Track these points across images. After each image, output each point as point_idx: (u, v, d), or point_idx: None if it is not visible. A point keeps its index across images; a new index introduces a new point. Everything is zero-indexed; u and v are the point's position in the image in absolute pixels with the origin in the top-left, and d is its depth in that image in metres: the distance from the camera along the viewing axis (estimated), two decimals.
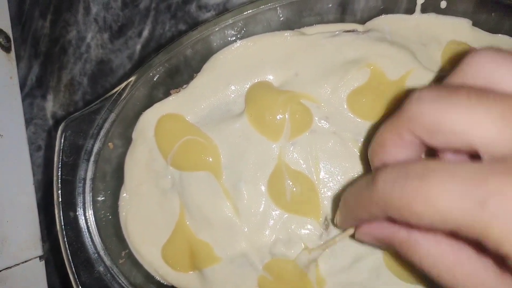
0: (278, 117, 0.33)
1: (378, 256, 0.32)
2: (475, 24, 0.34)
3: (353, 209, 0.24)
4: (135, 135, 0.35)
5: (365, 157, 0.32)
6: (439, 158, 0.22)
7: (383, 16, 0.34)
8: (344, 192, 0.26)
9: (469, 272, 0.20)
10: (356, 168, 0.33)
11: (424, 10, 0.34)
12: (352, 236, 0.27)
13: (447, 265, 0.21)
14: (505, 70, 0.20)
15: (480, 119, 0.18)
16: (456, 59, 0.33)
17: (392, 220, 0.21)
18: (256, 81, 0.34)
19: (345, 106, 0.33)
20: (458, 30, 0.34)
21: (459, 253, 0.21)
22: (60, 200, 0.33)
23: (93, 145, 0.33)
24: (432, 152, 0.23)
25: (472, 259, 0.20)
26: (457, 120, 0.19)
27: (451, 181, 0.18)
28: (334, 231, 0.32)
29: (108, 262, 0.34)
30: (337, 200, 0.32)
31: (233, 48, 0.34)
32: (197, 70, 0.35)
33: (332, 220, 0.32)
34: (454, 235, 0.19)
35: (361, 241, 0.26)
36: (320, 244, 0.32)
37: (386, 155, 0.23)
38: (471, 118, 0.19)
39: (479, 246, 0.18)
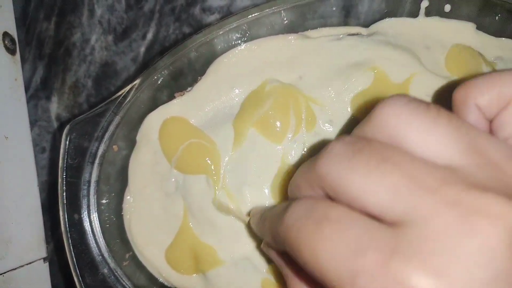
0: (282, 120, 0.33)
1: None
2: (479, 27, 0.34)
3: (264, 232, 0.26)
4: (139, 137, 0.36)
5: None
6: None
7: (387, 19, 0.34)
8: (267, 209, 0.27)
9: None
10: None
11: (428, 13, 0.34)
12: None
13: None
14: (410, 128, 0.19)
15: (374, 187, 0.18)
16: (460, 64, 0.33)
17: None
18: (261, 83, 0.35)
19: (349, 110, 0.33)
20: (462, 34, 0.34)
21: None
22: (64, 202, 0.33)
23: (97, 148, 0.34)
24: None
25: None
26: (354, 185, 0.19)
27: (338, 240, 0.18)
28: None
29: (112, 264, 0.34)
30: None
31: (237, 51, 0.34)
32: (202, 73, 0.35)
33: None
34: None
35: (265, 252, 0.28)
36: None
37: (302, 195, 0.23)
38: (366, 184, 0.18)
39: None
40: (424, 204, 0.17)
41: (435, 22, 0.34)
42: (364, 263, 0.17)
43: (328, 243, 0.18)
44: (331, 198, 0.20)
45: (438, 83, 0.32)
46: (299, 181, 0.23)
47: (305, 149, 0.33)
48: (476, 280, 0.16)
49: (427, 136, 0.19)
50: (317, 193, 0.21)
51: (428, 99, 0.32)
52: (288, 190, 0.25)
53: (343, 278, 0.17)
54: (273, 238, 0.23)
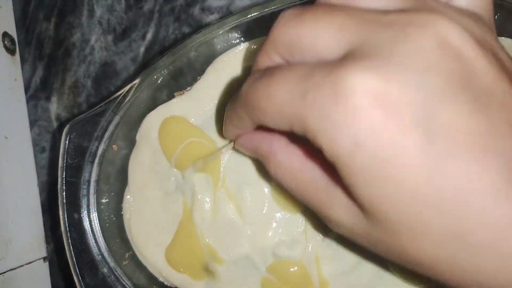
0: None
1: (381, 258, 0.32)
2: None
3: (230, 116, 0.26)
4: (139, 137, 0.36)
5: None
6: None
7: None
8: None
9: (308, 180, 0.22)
10: None
11: None
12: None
13: (292, 173, 0.23)
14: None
15: (322, 30, 0.19)
16: None
17: (256, 127, 0.23)
18: None
19: None
20: None
21: (304, 162, 0.22)
22: (64, 202, 0.33)
23: (97, 147, 0.34)
24: None
25: (315, 169, 0.22)
26: (305, 35, 0.20)
27: (289, 76, 0.19)
28: (337, 233, 0.32)
29: (112, 264, 0.34)
30: None
31: (236, 50, 0.34)
32: (201, 72, 0.35)
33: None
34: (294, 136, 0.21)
35: (240, 152, 0.29)
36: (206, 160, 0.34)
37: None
38: (314, 31, 0.20)
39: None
40: (366, 31, 0.18)
41: None
42: (311, 81, 0.18)
43: (279, 83, 0.20)
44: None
45: None
46: (258, 58, 0.24)
47: None
48: (411, 79, 0.17)
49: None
50: (275, 62, 0.22)
51: None
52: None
53: (295, 102, 0.19)
54: (237, 117, 0.24)
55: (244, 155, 0.33)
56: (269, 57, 0.22)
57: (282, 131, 0.21)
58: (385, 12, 0.19)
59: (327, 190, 0.21)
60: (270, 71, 0.21)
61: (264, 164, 0.25)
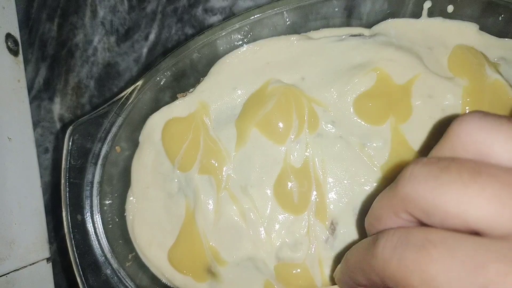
0: (285, 121, 0.33)
1: None
2: (482, 28, 0.34)
3: (353, 271, 0.24)
4: (142, 138, 0.36)
5: (372, 162, 0.32)
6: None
7: (389, 20, 0.34)
8: (348, 250, 0.25)
9: None
10: (362, 173, 0.32)
11: (431, 14, 0.34)
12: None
13: None
14: (494, 140, 0.19)
15: (474, 200, 0.18)
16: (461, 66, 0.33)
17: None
18: (263, 84, 0.35)
19: (352, 111, 0.33)
20: (465, 34, 0.34)
21: None
22: (67, 203, 0.33)
23: (100, 149, 0.34)
24: None
25: None
26: (450, 202, 0.18)
27: (451, 259, 0.17)
28: (340, 235, 0.32)
29: (115, 265, 0.34)
30: (345, 211, 0.33)
31: (239, 52, 0.34)
32: (204, 74, 0.35)
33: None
34: None
35: None
36: None
37: (383, 228, 0.23)
38: (464, 199, 0.18)
39: None
40: None
41: (438, 22, 0.34)
42: (487, 277, 0.16)
43: (440, 265, 0.17)
44: (421, 223, 0.20)
45: (440, 84, 0.32)
46: (379, 212, 0.22)
47: (308, 150, 0.33)
48: None
49: None
50: (403, 220, 0.21)
51: (430, 99, 0.32)
52: (366, 225, 0.24)
53: None
54: (364, 275, 0.22)
55: (251, 157, 0.33)
56: (397, 216, 0.21)
57: None
58: None
59: None
60: (417, 240, 0.19)
61: None
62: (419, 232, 0.19)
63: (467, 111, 0.31)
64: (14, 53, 0.49)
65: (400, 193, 0.20)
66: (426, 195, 0.19)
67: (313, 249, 0.33)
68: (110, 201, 0.35)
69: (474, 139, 0.19)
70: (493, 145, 0.19)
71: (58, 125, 0.50)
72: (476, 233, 0.18)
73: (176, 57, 0.33)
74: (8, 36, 0.48)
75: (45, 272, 0.48)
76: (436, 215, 0.19)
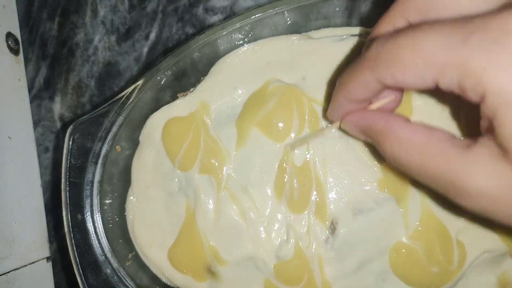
0: (285, 121, 0.33)
1: (384, 260, 0.32)
2: None
3: (346, 84, 0.25)
4: (142, 138, 0.36)
5: (372, 162, 0.32)
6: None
7: None
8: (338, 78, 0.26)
9: (437, 152, 0.21)
10: (362, 173, 0.33)
11: None
12: (339, 128, 0.28)
13: (417, 147, 0.22)
14: None
15: None
16: None
17: (380, 86, 0.22)
18: (263, 83, 0.35)
19: None
20: None
21: (430, 135, 0.21)
22: (68, 202, 0.33)
23: (101, 148, 0.34)
24: None
25: (442, 140, 0.21)
26: None
27: (438, 26, 0.19)
28: (340, 235, 0.32)
29: (115, 264, 0.34)
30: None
31: (240, 51, 0.34)
32: (204, 73, 0.35)
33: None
34: (436, 90, 0.20)
35: (345, 131, 0.28)
36: (307, 135, 0.33)
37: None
38: None
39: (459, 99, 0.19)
40: None
41: None
42: (473, 26, 0.18)
43: (428, 33, 0.19)
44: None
45: None
46: (381, 24, 0.24)
47: (308, 150, 0.33)
48: None
49: None
50: (399, 27, 0.23)
51: (432, 99, 0.32)
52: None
53: (453, 48, 0.18)
54: (357, 81, 0.23)
55: (251, 157, 0.33)
56: (393, 24, 0.23)
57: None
58: None
59: (462, 157, 0.20)
60: (409, 27, 0.21)
61: (377, 143, 0.24)
62: (408, 27, 0.21)
63: (466, 116, 0.31)
64: (15, 52, 0.49)
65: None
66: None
67: (313, 249, 0.33)
68: (110, 201, 0.35)
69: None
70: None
71: (58, 124, 0.50)
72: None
73: (176, 57, 0.33)
74: (9, 35, 0.48)
75: (45, 271, 0.48)
76: (433, 10, 0.21)
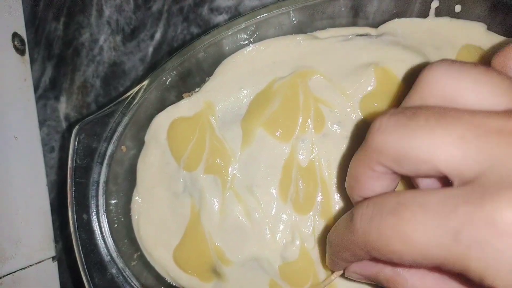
0: (291, 121, 0.33)
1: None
2: (489, 28, 0.33)
3: (338, 252, 0.24)
4: (147, 138, 0.36)
5: None
6: (414, 185, 0.23)
7: (396, 19, 0.34)
8: (328, 233, 0.26)
9: None
10: None
11: (438, 13, 0.33)
12: (343, 275, 0.27)
13: None
14: (461, 84, 0.19)
15: (440, 143, 0.18)
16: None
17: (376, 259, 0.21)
18: (268, 83, 0.34)
19: (358, 111, 0.33)
20: (473, 34, 0.33)
21: (439, 284, 0.21)
22: (73, 202, 0.33)
23: (106, 148, 0.34)
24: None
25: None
26: (419, 147, 0.18)
27: (423, 214, 0.18)
28: None
29: (120, 264, 0.34)
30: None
31: (245, 52, 0.34)
32: (210, 73, 0.35)
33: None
34: (439, 268, 0.19)
35: (351, 279, 0.27)
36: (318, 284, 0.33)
37: (363, 189, 0.23)
38: (432, 143, 0.18)
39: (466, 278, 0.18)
40: (497, 147, 0.17)
41: (446, 22, 0.34)
42: (458, 220, 0.17)
43: (414, 223, 0.18)
44: (395, 173, 0.20)
45: None
46: (356, 171, 0.22)
47: (314, 150, 0.33)
48: None
49: (480, 89, 0.19)
50: (379, 173, 0.21)
51: None
52: (347, 189, 0.25)
53: (446, 244, 0.17)
54: (349, 253, 0.22)
55: (256, 157, 0.33)
56: (372, 170, 0.21)
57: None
58: (502, 115, 0.18)
59: None
60: (390, 205, 0.19)
61: None
62: (391, 198, 0.19)
63: None
64: (21, 52, 0.49)
65: (371, 145, 0.20)
66: (395, 143, 0.19)
67: (318, 250, 0.32)
68: (115, 201, 0.35)
69: (442, 85, 0.20)
70: (460, 89, 0.19)
71: (64, 124, 0.50)
72: (448, 181, 0.19)
73: (182, 57, 0.33)
74: (15, 35, 0.48)
75: (51, 270, 0.48)
76: (407, 162, 0.19)
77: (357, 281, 0.27)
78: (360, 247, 0.21)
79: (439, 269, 0.19)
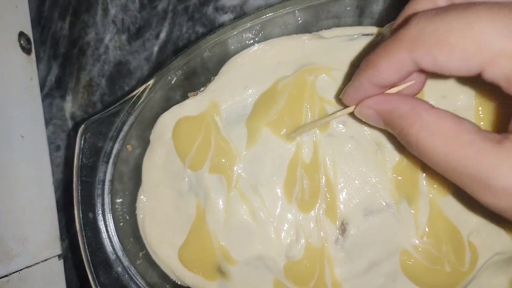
0: (296, 121, 0.33)
1: (394, 261, 0.32)
2: None
3: (374, 66, 0.23)
4: (153, 137, 0.36)
5: (383, 163, 0.32)
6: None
7: None
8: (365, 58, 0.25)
9: (466, 143, 0.20)
10: (373, 173, 0.32)
11: None
12: (352, 114, 0.27)
13: (446, 133, 0.21)
14: None
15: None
16: None
17: (414, 68, 0.21)
18: (273, 83, 0.34)
19: None
20: None
21: (460, 124, 0.21)
22: (79, 201, 0.33)
23: (112, 147, 0.34)
24: None
25: (472, 131, 0.20)
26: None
27: (498, 12, 0.18)
28: (350, 236, 0.32)
29: (126, 263, 0.34)
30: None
31: (250, 51, 0.34)
32: (215, 73, 0.35)
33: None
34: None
35: (360, 117, 0.26)
36: (316, 120, 0.32)
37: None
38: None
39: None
40: None
41: None
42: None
43: (487, 16, 0.18)
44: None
45: (453, 84, 0.32)
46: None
47: (318, 150, 0.33)
48: None
49: None
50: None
51: (444, 100, 0.32)
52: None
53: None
54: (390, 59, 0.22)
55: (261, 156, 0.33)
56: (433, 1, 0.22)
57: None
58: None
59: (494, 152, 0.19)
60: (458, 7, 0.20)
61: (401, 128, 0.23)
62: (457, 8, 0.20)
63: (480, 112, 0.31)
64: (27, 51, 0.49)
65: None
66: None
67: (323, 249, 0.32)
68: (121, 199, 0.35)
69: None
70: None
71: (69, 123, 0.50)
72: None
73: (187, 56, 0.34)
74: (21, 34, 0.49)
75: (57, 268, 0.48)
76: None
77: (365, 121, 0.26)
78: (407, 47, 0.21)
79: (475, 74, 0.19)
